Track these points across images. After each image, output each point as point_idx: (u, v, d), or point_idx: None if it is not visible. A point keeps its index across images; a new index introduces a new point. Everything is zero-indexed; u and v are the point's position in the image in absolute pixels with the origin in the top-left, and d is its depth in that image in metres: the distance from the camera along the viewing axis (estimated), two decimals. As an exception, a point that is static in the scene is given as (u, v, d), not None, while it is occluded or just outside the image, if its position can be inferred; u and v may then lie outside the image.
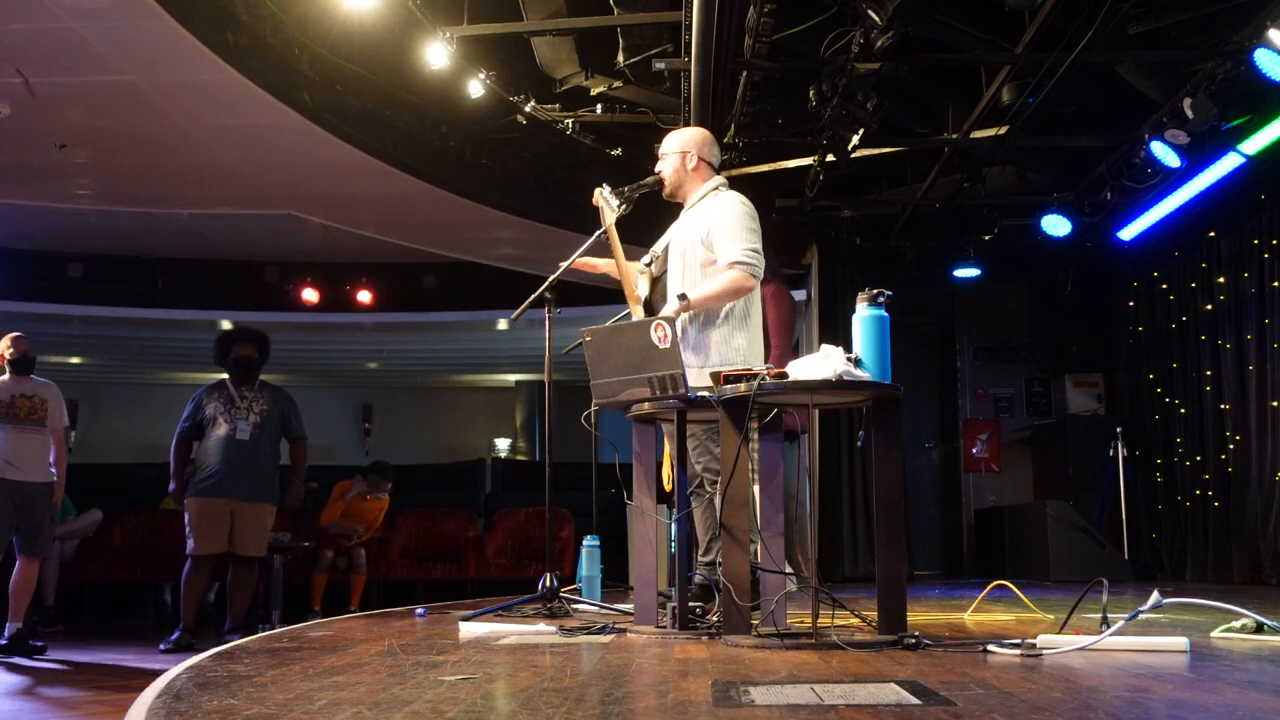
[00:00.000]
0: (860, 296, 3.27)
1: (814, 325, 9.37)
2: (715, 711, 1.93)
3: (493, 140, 8.24)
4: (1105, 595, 3.05)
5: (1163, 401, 8.70)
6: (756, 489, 3.66)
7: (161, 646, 5.82)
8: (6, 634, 5.76)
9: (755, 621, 3.29)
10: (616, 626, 3.59)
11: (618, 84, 7.46)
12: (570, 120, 7.83)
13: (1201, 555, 8.08)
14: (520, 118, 7.75)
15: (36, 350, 6.23)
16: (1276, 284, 7.28)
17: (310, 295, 11.88)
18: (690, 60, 6.01)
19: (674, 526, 3.86)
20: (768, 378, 3.12)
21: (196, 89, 6.70)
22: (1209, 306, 8.11)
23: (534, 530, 9.14)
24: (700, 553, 3.96)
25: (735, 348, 3.78)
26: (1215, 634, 3.28)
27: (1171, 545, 8.51)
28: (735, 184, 4.17)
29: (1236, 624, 3.28)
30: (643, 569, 3.75)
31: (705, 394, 3.35)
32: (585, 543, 5.20)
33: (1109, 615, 2.98)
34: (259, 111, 6.89)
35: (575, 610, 4.36)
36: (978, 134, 7.37)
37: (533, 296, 4.25)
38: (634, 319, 3.94)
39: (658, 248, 4.05)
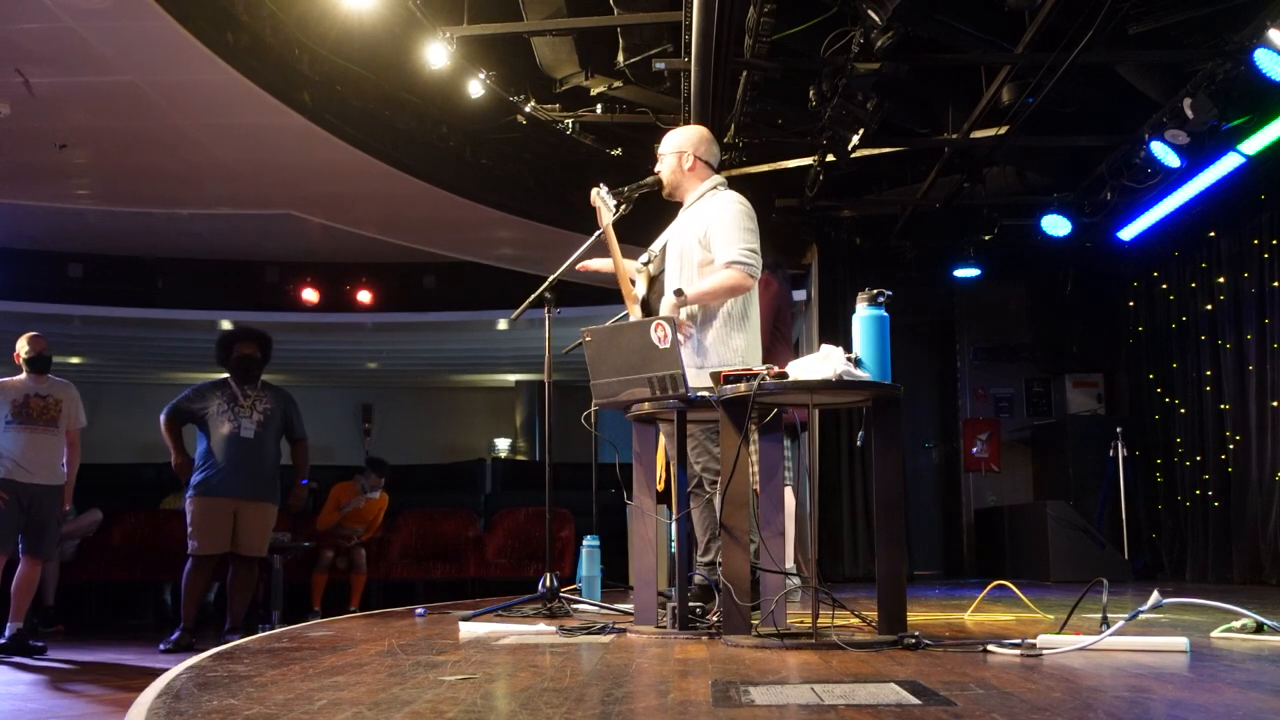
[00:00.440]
0: (860, 296, 3.27)
1: (814, 325, 9.38)
2: (715, 711, 1.93)
3: (493, 140, 8.24)
4: (1105, 595, 3.05)
5: (1163, 401, 8.70)
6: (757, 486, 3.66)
7: (161, 646, 5.82)
8: (7, 634, 5.76)
9: (755, 621, 3.29)
10: (616, 626, 3.59)
11: (618, 84, 7.46)
12: (570, 120, 7.83)
13: (1201, 555, 8.08)
14: (520, 118, 7.75)
15: (40, 351, 6.24)
16: (1276, 284, 7.28)
17: (310, 295, 11.87)
18: (690, 60, 6.01)
19: (674, 526, 3.86)
20: (768, 378, 3.12)
21: (196, 89, 6.70)
22: (1209, 306, 8.11)
23: (534, 530, 9.14)
24: (699, 553, 3.96)
25: (733, 348, 3.78)
26: (1215, 634, 3.28)
27: (1171, 545, 8.51)
28: (735, 184, 4.17)
29: (1236, 624, 3.28)
30: (643, 569, 3.75)
31: (705, 394, 3.35)
32: (585, 543, 5.20)
33: (1109, 615, 2.98)
34: (259, 111, 6.89)
35: (575, 610, 4.36)
36: (978, 134, 7.37)
37: (533, 296, 4.25)
38: (632, 319, 3.94)
39: (655, 247, 4.05)
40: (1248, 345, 7.59)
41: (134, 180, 8.69)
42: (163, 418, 6.24)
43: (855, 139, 6.81)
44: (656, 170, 4.06)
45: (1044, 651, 2.78)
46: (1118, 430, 8.58)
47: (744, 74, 6.57)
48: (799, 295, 9.35)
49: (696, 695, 2.12)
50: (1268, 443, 7.29)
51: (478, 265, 10.74)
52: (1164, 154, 6.94)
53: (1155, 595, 2.93)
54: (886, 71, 6.11)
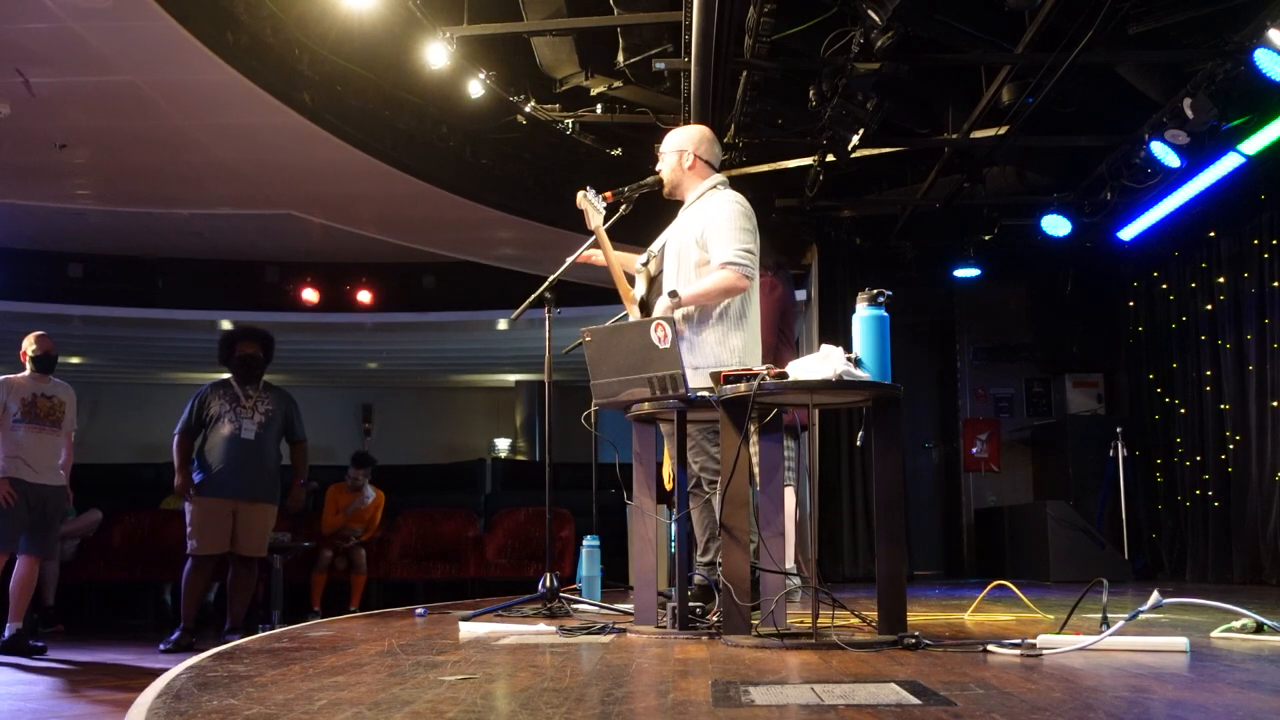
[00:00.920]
0: (860, 296, 3.27)
1: (814, 325, 9.38)
2: (715, 711, 1.93)
3: (493, 140, 8.24)
4: (1105, 595, 3.05)
5: (1163, 401, 8.70)
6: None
7: (161, 646, 5.83)
8: (7, 634, 5.76)
9: (755, 621, 3.29)
10: (616, 626, 3.59)
11: (618, 84, 7.46)
12: (570, 120, 7.83)
13: (1201, 555, 8.08)
14: (520, 118, 7.75)
15: (40, 350, 6.24)
16: (1276, 284, 7.28)
17: (310, 295, 11.87)
18: (690, 60, 6.01)
19: (674, 526, 3.86)
20: (767, 378, 3.12)
21: (196, 89, 6.70)
22: (1209, 306, 8.11)
23: (534, 530, 9.14)
24: (699, 553, 3.96)
25: (731, 348, 3.77)
26: (1215, 634, 3.28)
27: (1171, 545, 8.51)
28: (735, 184, 4.16)
29: (1236, 624, 3.28)
30: (643, 569, 3.75)
31: (704, 394, 3.35)
32: (585, 543, 5.20)
33: (1109, 615, 2.98)
34: (259, 111, 6.89)
35: (575, 610, 4.36)
36: (978, 134, 7.37)
37: (533, 296, 4.25)
38: (630, 319, 3.94)
39: (654, 247, 4.04)
40: (1248, 345, 7.58)
41: (134, 180, 8.69)
42: (175, 437, 6.23)
43: (855, 139, 6.81)
44: (657, 169, 4.06)
45: (1044, 651, 2.78)
46: (1118, 430, 8.58)
47: (744, 74, 6.57)
48: (799, 295, 9.35)
49: (696, 695, 2.12)
50: (1268, 443, 7.29)
51: (478, 265, 10.74)
52: (1164, 154, 6.94)
53: (1155, 595, 2.93)
54: (886, 71, 6.11)
